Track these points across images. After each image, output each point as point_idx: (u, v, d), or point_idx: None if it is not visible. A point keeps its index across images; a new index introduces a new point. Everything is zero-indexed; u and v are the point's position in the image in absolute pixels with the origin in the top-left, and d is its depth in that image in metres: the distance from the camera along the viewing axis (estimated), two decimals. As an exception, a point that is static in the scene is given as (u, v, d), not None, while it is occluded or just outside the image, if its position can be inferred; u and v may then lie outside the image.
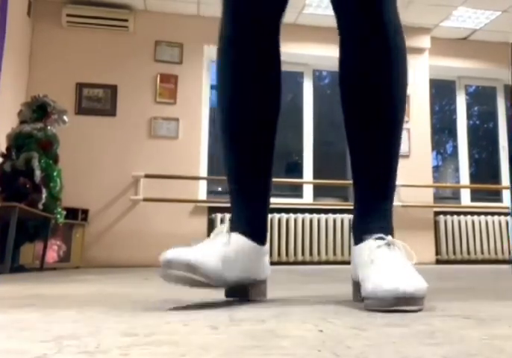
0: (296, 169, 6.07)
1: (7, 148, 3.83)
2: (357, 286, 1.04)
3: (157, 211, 5.35)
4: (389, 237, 1.00)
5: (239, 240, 1.05)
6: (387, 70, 1.10)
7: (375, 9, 1.06)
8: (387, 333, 0.62)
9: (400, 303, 0.84)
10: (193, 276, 0.91)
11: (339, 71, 1.14)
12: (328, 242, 5.62)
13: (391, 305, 0.84)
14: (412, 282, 0.85)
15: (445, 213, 6.01)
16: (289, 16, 5.78)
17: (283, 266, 5.00)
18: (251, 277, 1.07)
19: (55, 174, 3.86)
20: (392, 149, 1.10)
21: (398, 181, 6.03)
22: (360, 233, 1.06)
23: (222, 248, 1.01)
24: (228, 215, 5.33)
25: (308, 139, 6.08)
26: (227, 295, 1.08)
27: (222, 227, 1.08)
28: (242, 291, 1.07)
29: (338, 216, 5.69)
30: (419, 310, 0.84)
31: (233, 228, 1.08)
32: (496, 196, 6.50)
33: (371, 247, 0.99)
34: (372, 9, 1.06)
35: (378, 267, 0.93)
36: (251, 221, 1.12)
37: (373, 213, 1.08)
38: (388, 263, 0.93)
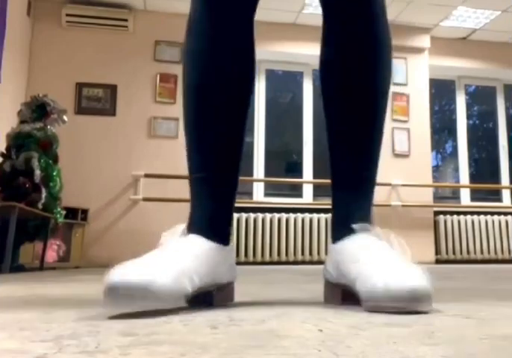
0: (296, 169, 6.07)
1: (7, 148, 3.83)
2: (335, 287, 0.95)
3: (156, 211, 5.35)
4: (378, 229, 0.93)
5: (198, 243, 0.91)
6: (372, 47, 1.03)
7: None
8: (387, 333, 0.62)
9: (413, 301, 0.76)
10: (145, 303, 0.77)
11: (321, 49, 1.08)
12: (327, 242, 5.62)
13: (405, 304, 0.77)
14: (419, 275, 0.79)
15: (444, 213, 6.01)
16: (289, 16, 5.78)
17: (283, 266, 5.01)
18: (214, 282, 0.92)
19: (55, 173, 3.86)
20: (376, 131, 1.04)
21: (398, 181, 6.02)
22: (343, 225, 0.97)
23: (176, 258, 0.85)
24: (227, 215, 5.34)
25: (308, 138, 6.08)
26: (189, 303, 0.86)
27: (177, 229, 0.94)
28: (205, 298, 0.92)
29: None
30: (428, 311, 0.79)
31: (192, 229, 0.94)
32: (496, 196, 6.51)
33: (362, 240, 0.91)
34: None
35: (380, 263, 0.84)
36: (214, 219, 0.97)
37: (356, 201, 1.00)
38: (388, 258, 0.84)
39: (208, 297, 0.92)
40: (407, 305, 0.76)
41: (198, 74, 1.03)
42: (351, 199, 1.01)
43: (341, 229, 0.97)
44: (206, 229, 0.94)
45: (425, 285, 0.76)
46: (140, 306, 0.76)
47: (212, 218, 0.97)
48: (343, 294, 0.94)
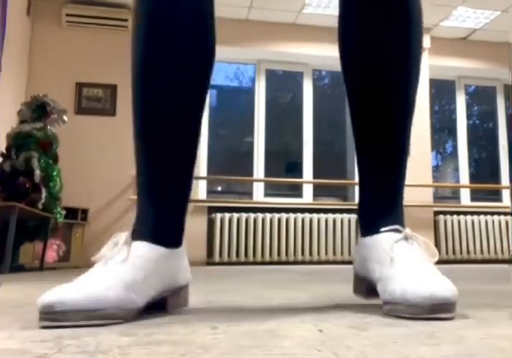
0: (296, 169, 6.07)
1: (7, 148, 3.83)
2: (363, 281, 0.95)
3: (156, 211, 5.35)
4: (408, 230, 0.89)
5: (145, 250, 0.83)
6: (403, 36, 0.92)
7: None
8: (387, 333, 0.62)
9: (437, 311, 0.73)
10: (88, 322, 0.69)
11: (339, 30, 0.97)
12: (327, 242, 5.62)
13: (427, 312, 0.73)
14: (446, 286, 0.75)
15: (444, 213, 6.01)
16: (289, 16, 5.78)
17: (283, 266, 5.00)
18: (167, 288, 0.86)
19: (55, 173, 3.86)
20: (406, 130, 0.97)
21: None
22: (371, 222, 0.93)
23: (121, 271, 0.78)
24: (227, 215, 5.33)
25: (308, 138, 6.08)
26: (141, 311, 0.80)
27: (118, 238, 0.84)
28: (159, 304, 0.86)
29: (338, 216, 5.68)
30: (452, 318, 0.75)
31: (137, 236, 0.85)
32: (496, 196, 6.51)
33: (389, 241, 0.87)
34: None
35: (403, 267, 0.82)
36: (159, 223, 0.88)
37: (387, 200, 0.95)
38: (413, 263, 0.83)
39: (162, 303, 0.87)
40: (422, 311, 0.73)
41: (142, 48, 0.90)
42: (381, 196, 0.96)
43: (370, 224, 0.93)
44: (151, 234, 0.86)
45: (443, 292, 0.74)
46: (85, 325, 0.69)
47: (157, 221, 0.88)
48: (368, 289, 0.93)
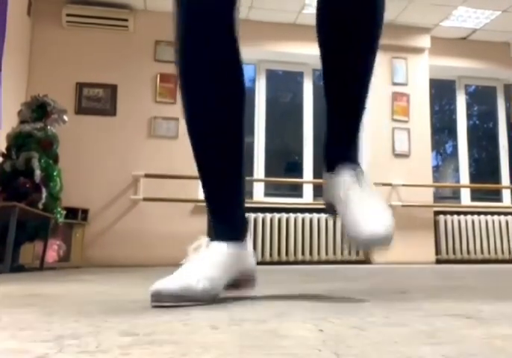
0: (296, 169, 6.07)
1: (7, 148, 3.82)
2: (329, 203, 1.20)
3: (157, 211, 5.35)
4: (359, 168, 1.13)
5: (221, 251, 1.10)
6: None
7: None
8: (388, 333, 0.62)
9: (376, 243, 1.02)
10: (183, 303, 0.97)
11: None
12: (327, 242, 5.62)
13: (370, 245, 1.05)
14: (385, 222, 1.02)
15: (445, 213, 6.01)
16: (289, 16, 5.78)
17: (283, 266, 5.00)
18: (239, 276, 1.13)
19: (55, 173, 3.86)
20: (363, 76, 1.17)
21: (398, 181, 5.99)
22: (332, 160, 1.17)
23: (205, 267, 1.05)
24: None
25: (308, 138, 6.08)
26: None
27: (201, 242, 1.14)
28: (232, 287, 1.13)
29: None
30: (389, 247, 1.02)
31: (214, 236, 1.13)
32: (496, 196, 6.50)
33: (344, 185, 1.12)
34: None
35: (353, 209, 1.07)
36: (230, 224, 1.16)
37: (343, 143, 1.19)
38: (359, 204, 1.07)
39: (234, 286, 1.13)
40: (366, 246, 1.09)
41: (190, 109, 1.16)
42: (338, 140, 1.20)
43: (331, 162, 1.17)
44: (223, 235, 1.13)
45: (378, 229, 1.01)
46: (180, 303, 0.96)
47: (229, 223, 1.16)
48: (333, 208, 1.18)
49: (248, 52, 6.09)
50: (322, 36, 1.20)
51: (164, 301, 0.95)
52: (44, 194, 3.68)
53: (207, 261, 1.07)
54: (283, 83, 6.60)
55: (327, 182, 1.20)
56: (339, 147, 1.19)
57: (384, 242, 1.01)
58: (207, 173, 1.18)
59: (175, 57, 1.14)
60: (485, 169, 6.90)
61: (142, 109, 5.57)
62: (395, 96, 6.07)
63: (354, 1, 1.13)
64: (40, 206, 3.64)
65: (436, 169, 6.69)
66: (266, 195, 5.82)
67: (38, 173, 3.67)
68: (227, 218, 1.17)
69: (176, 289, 0.97)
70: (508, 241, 6.03)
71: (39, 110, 3.97)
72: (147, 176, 5.40)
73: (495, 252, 5.96)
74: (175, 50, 1.13)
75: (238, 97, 1.15)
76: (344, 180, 1.13)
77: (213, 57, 1.12)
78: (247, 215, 1.23)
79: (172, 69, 5.68)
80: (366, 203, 1.08)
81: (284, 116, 6.39)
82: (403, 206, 5.79)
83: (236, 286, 1.15)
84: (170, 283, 0.98)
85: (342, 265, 5.06)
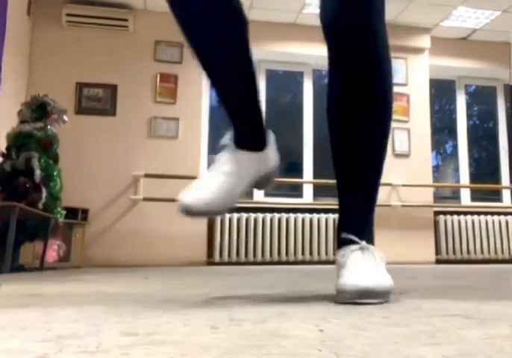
0: (296, 169, 6.07)
1: (7, 148, 3.82)
2: None
3: (156, 211, 5.35)
4: (363, 242, 1.10)
5: (245, 160, 1.17)
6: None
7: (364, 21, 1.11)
8: (388, 333, 0.62)
9: (362, 297, 0.96)
10: (211, 214, 1.10)
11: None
12: (328, 242, 5.61)
13: (354, 298, 0.97)
14: (374, 279, 0.98)
15: (445, 213, 6.01)
16: (289, 16, 5.78)
17: (283, 266, 5.00)
18: (258, 179, 1.21)
19: (55, 173, 3.86)
20: (377, 155, 1.19)
21: (398, 181, 5.98)
22: (340, 239, 1.17)
23: (228, 179, 1.12)
24: (227, 215, 5.34)
25: (308, 138, 6.08)
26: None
27: (226, 146, 1.18)
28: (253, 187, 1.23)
29: (338, 217, 5.68)
30: (380, 303, 0.97)
31: (237, 145, 1.19)
32: (496, 196, 6.50)
33: (346, 253, 1.11)
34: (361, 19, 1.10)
35: (348, 268, 1.05)
36: (250, 135, 1.22)
37: (352, 220, 1.18)
38: (357, 265, 1.05)
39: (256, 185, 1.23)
40: (351, 297, 0.97)
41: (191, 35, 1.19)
42: (351, 214, 1.20)
43: (339, 239, 1.17)
44: (248, 144, 1.19)
45: (367, 282, 0.97)
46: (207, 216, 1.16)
47: (250, 134, 1.21)
48: None
49: (248, 52, 6.10)
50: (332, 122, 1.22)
51: (195, 213, 1.05)
52: (44, 194, 3.68)
53: (233, 174, 1.14)
54: (284, 83, 6.60)
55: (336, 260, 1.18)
56: (350, 218, 1.20)
57: (371, 295, 0.96)
58: (222, 91, 1.22)
59: None
60: (485, 169, 6.90)
61: (142, 109, 5.57)
62: (395, 96, 6.02)
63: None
64: (40, 206, 3.64)
65: (436, 169, 6.69)
66: (266, 195, 5.82)
67: (38, 173, 3.67)
68: (248, 130, 1.22)
69: (198, 203, 1.05)
70: (508, 241, 6.03)
71: (39, 109, 3.97)
72: (147, 176, 5.40)
73: (495, 252, 5.96)
74: None
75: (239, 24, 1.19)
76: (346, 249, 1.12)
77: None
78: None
79: (172, 69, 5.66)
80: (362, 263, 1.05)
81: (284, 116, 6.39)
82: (403, 206, 5.79)
83: (257, 187, 1.24)
84: (197, 193, 1.07)
85: (342, 265, 5.04)
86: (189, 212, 1.05)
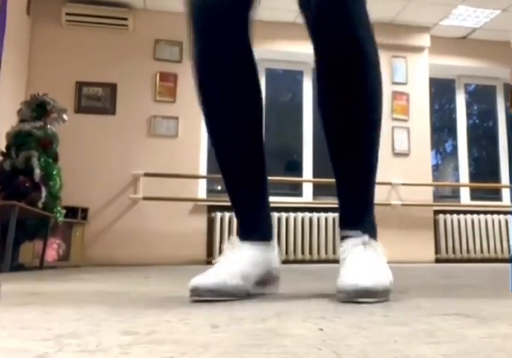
0: (296, 168, 6.07)
1: (7, 147, 3.82)
2: None
3: (156, 210, 5.35)
4: (365, 237, 1.11)
5: (250, 252, 1.19)
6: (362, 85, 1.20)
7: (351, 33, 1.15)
8: (388, 332, 0.62)
9: (361, 296, 0.96)
10: (219, 298, 1.05)
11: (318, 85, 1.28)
12: (327, 241, 5.62)
13: (353, 297, 0.96)
14: (373, 277, 0.98)
15: (444, 212, 6.01)
16: (289, 16, 5.77)
17: (283, 265, 4.99)
18: (265, 275, 1.22)
19: (55, 172, 3.85)
20: (373, 151, 1.20)
21: (398, 180, 5.98)
22: (342, 233, 1.18)
23: (237, 266, 1.14)
24: (227, 214, 5.35)
25: (308, 137, 6.08)
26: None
27: (232, 243, 1.22)
28: (259, 284, 1.21)
29: (338, 215, 5.67)
30: (379, 302, 0.96)
31: (243, 238, 1.22)
32: (496, 195, 6.50)
33: (347, 248, 1.12)
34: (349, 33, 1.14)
35: (348, 266, 1.06)
36: (257, 227, 1.25)
37: (352, 215, 1.20)
38: (357, 263, 1.05)
39: (261, 284, 1.22)
40: (349, 296, 0.97)
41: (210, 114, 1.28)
42: (351, 209, 1.22)
43: (341, 234, 1.18)
44: (254, 236, 1.22)
45: (364, 282, 0.97)
46: (216, 299, 1.04)
47: (256, 226, 1.25)
48: None
49: (248, 51, 6.10)
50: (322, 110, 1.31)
51: (202, 296, 1.03)
52: (44, 193, 3.68)
53: (239, 260, 1.16)
54: (283, 82, 6.60)
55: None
56: (349, 212, 1.21)
57: (370, 294, 0.96)
58: (230, 176, 1.26)
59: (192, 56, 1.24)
60: (485, 168, 6.90)
61: (142, 108, 5.57)
62: (395, 95, 6.06)
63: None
64: (40, 205, 3.64)
65: (435, 168, 6.69)
66: (266, 194, 5.82)
67: (38, 172, 3.67)
68: (253, 220, 1.26)
69: (212, 284, 1.05)
70: (508, 240, 6.02)
71: (38, 108, 3.97)
72: (147, 175, 5.40)
73: (495, 251, 5.96)
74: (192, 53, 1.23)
75: (256, 99, 1.25)
76: (347, 245, 1.13)
77: (228, 60, 1.22)
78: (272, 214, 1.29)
79: (171, 68, 5.67)
80: (361, 261, 1.06)
81: (284, 115, 6.38)
82: (403, 205, 5.79)
83: (263, 284, 1.23)
84: (206, 279, 1.06)
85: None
86: (196, 291, 1.04)
